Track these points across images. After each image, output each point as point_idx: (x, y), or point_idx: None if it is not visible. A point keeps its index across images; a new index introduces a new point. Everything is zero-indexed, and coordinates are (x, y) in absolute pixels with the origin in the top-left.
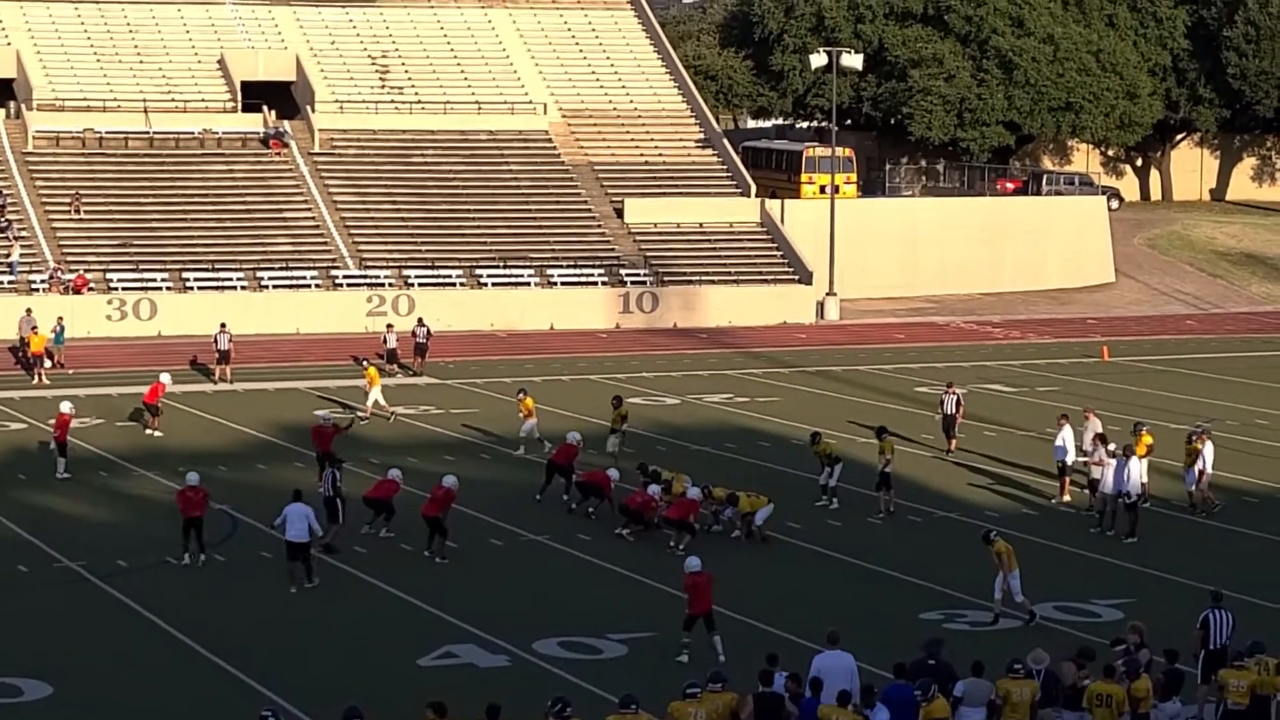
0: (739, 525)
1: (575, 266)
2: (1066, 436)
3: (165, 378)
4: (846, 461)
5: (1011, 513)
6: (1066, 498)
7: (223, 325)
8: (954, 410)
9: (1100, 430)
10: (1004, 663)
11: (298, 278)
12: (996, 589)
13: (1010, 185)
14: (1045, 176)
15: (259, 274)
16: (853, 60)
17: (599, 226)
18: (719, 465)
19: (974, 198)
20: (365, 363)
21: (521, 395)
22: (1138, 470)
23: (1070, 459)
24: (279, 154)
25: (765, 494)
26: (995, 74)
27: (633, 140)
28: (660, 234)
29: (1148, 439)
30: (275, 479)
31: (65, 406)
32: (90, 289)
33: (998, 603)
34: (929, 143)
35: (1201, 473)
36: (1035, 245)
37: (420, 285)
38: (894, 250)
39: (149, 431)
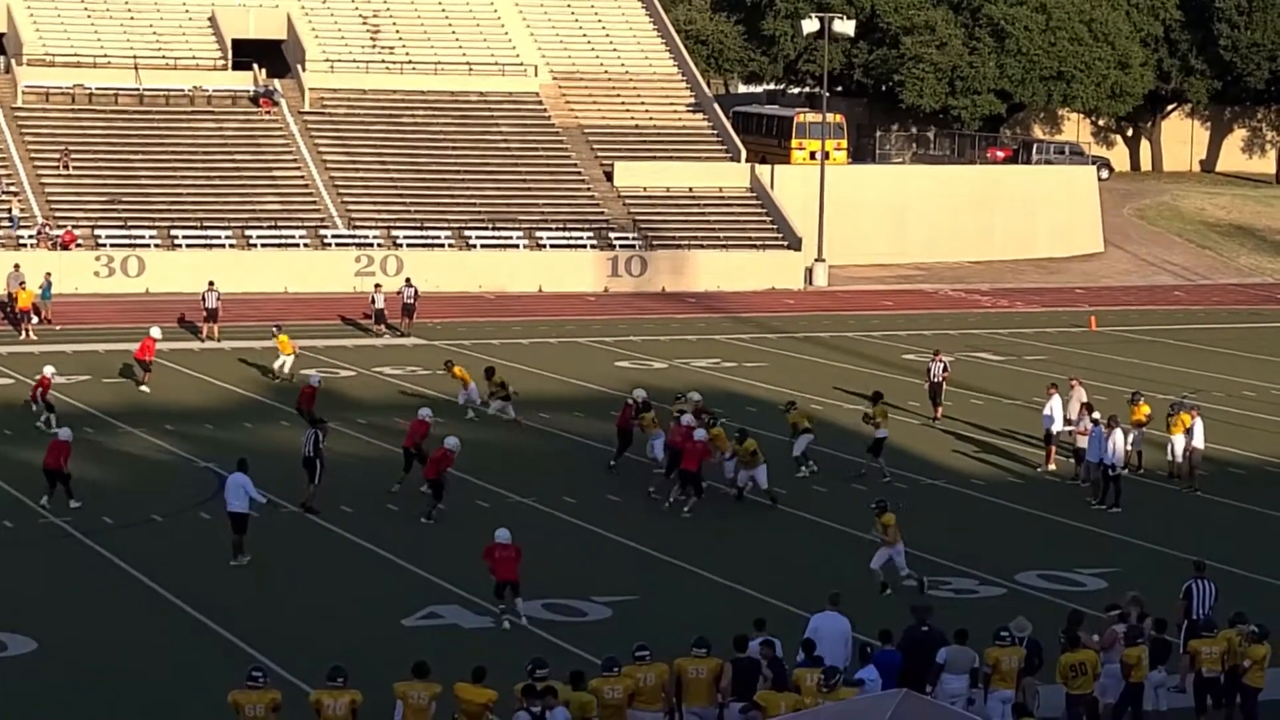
0: (742, 483)
1: (564, 229)
2: (1055, 405)
3: (155, 331)
4: (832, 429)
5: (997, 481)
6: (1052, 466)
7: (211, 283)
8: (940, 378)
9: (1085, 399)
10: (985, 629)
11: (286, 237)
12: (876, 561)
13: (1000, 154)
14: (1035, 145)
15: (247, 232)
16: (845, 26)
17: (588, 189)
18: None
19: (964, 166)
20: (277, 328)
21: (450, 365)
22: (1121, 440)
23: (1058, 428)
24: (269, 113)
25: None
26: (987, 42)
27: (623, 103)
28: (650, 198)
29: (1145, 409)
30: (261, 437)
31: (48, 370)
32: (78, 245)
33: (876, 573)
34: (920, 110)
35: (1191, 447)
36: (1025, 214)
37: (408, 246)
38: (883, 217)
39: (142, 387)
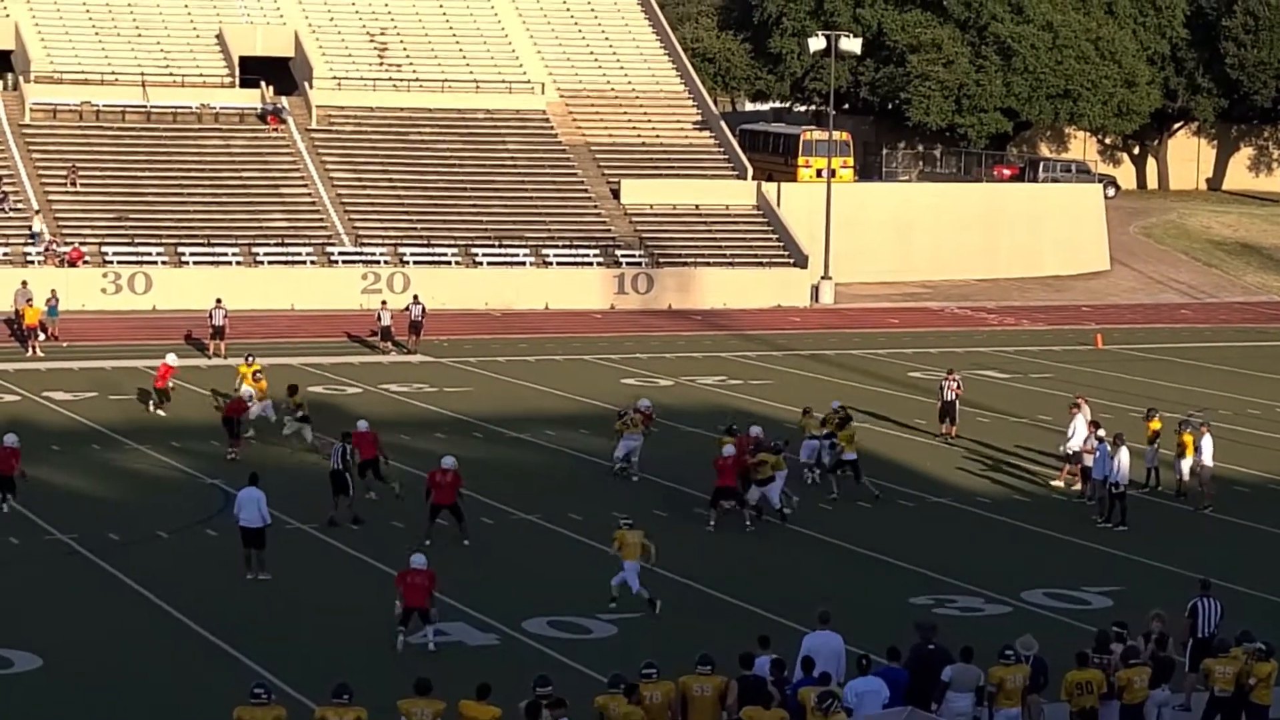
0: (754, 500)
1: (571, 247)
2: (1078, 424)
3: (171, 358)
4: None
5: (1003, 498)
6: (1058, 483)
7: (218, 300)
8: (953, 397)
9: (1090, 417)
10: (991, 647)
11: (293, 254)
12: (629, 581)
13: (1007, 172)
14: (1042, 163)
15: (255, 250)
16: (851, 44)
17: (595, 207)
18: (711, 447)
19: (970, 184)
20: (250, 359)
21: (258, 377)
22: (1126, 459)
23: (1074, 447)
24: (276, 130)
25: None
26: (994, 60)
27: (630, 121)
28: (656, 215)
29: (1156, 425)
30: (266, 454)
31: None
32: (86, 262)
33: (641, 592)
34: (926, 128)
35: (1201, 465)
36: (1031, 232)
37: (416, 263)
38: (889, 235)
39: (151, 410)
